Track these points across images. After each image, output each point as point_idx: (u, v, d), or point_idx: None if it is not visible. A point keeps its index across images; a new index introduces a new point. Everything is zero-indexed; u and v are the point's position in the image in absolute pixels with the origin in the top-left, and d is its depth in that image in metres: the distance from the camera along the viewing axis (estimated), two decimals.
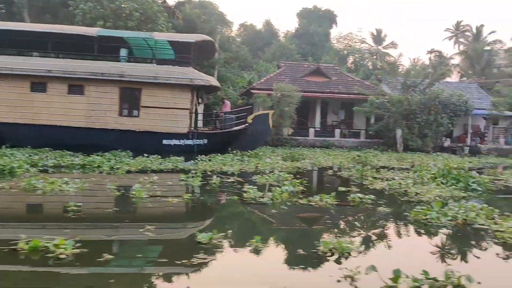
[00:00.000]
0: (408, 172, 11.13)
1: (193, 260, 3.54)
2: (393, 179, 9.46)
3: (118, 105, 16.81)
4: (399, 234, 5.25)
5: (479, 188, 8.62)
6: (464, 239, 4.91)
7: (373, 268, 3.02)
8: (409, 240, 4.93)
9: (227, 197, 7.39)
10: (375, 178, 9.96)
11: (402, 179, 9.34)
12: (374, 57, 60.71)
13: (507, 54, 46.42)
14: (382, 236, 4.95)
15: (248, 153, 15.52)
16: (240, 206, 6.74)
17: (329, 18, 51.79)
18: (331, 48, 47.17)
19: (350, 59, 47.43)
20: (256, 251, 3.98)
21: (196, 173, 9.52)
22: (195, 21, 26.00)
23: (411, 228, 5.35)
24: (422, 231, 5.17)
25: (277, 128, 24.73)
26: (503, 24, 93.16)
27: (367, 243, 4.47)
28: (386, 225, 5.65)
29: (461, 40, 62.29)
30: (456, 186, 8.75)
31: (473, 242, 4.78)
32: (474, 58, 46.15)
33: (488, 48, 46.93)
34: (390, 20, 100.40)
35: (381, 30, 61.60)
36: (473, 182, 8.90)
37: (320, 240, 4.15)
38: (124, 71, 16.71)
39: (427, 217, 5.34)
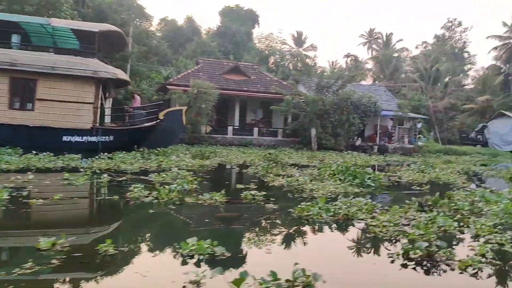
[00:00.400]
0: (312, 169, 11.28)
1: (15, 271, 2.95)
2: (293, 176, 9.46)
3: (8, 97, 15.04)
4: (274, 232, 5.07)
5: (373, 184, 8.92)
6: (337, 235, 4.86)
7: (219, 271, 2.71)
8: (284, 237, 4.76)
9: (107, 197, 6.74)
10: (278, 175, 9.90)
11: (301, 176, 9.38)
12: (295, 59, 62.71)
13: (412, 61, 50.45)
14: (257, 234, 4.73)
15: (156, 151, 14.78)
16: (115, 207, 6.16)
17: (251, 18, 52.20)
18: (253, 47, 47.55)
19: (272, 59, 48.21)
20: (104, 256, 3.49)
21: (86, 171, 8.69)
22: (106, 11, 24.40)
23: (291, 224, 5.22)
24: (301, 227, 5.07)
25: (194, 125, 24.16)
26: (409, 32, 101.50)
27: (237, 243, 4.19)
28: (266, 222, 5.47)
29: (374, 46, 66.68)
30: (352, 182, 8.97)
31: (345, 237, 4.75)
32: (384, 64, 49.51)
33: (396, 55, 50.56)
34: (311, 23, 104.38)
35: (302, 32, 63.83)
36: (368, 178, 9.20)
37: (188, 240, 3.77)
38: (16, 59, 14.98)
39: (310, 213, 5.23)
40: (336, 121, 26.58)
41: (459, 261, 3.51)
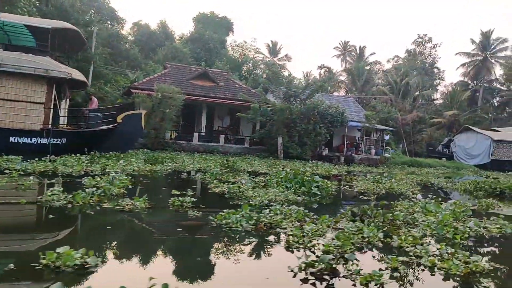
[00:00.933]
0: (265, 177, 10.93)
1: None
2: (239, 182, 9.08)
3: None
4: (169, 242, 4.64)
5: (319, 193, 8.64)
6: (243, 245, 4.46)
7: (59, 286, 2.27)
8: (176, 247, 4.35)
9: (13, 201, 6.14)
10: (225, 182, 9.50)
11: (246, 182, 9.01)
12: (268, 69, 62.88)
13: (383, 74, 51.30)
14: (156, 244, 4.30)
15: (108, 155, 14.14)
16: (14, 211, 5.60)
17: (225, 25, 52.06)
18: (226, 55, 47.31)
19: (245, 68, 48.08)
20: None
21: (11, 173, 8.05)
22: (69, 10, 23.61)
23: (200, 233, 4.81)
24: (210, 236, 4.66)
25: (158, 131, 23.54)
26: (382, 46, 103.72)
27: (116, 251, 3.76)
28: (173, 230, 5.05)
29: (348, 58, 67.68)
30: (298, 190, 8.67)
31: (249, 248, 4.36)
32: (355, 76, 50.17)
33: (367, 67, 51.33)
34: (286, 34, 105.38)
35: (277, 42, 64.25)
36: (315, 187, 8.91)
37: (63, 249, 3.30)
38: None
39: (229, 220, 4.85)
40: (302, 130, 26.48)
41: (361, 275, 3.19)
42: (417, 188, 11.96)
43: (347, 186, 11.35)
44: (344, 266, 3.36)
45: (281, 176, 9.52)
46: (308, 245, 4.09)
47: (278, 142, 25.91)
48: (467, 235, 5.21)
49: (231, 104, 28.06)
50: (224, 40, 51.29)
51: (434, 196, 8.73)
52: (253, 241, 4.50)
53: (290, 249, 4.08)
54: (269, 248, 4.31)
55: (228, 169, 13.97)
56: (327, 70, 66.10)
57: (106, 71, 27.94)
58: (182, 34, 50.62)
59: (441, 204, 7.16)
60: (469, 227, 5.56)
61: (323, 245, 4.02)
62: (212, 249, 4.27)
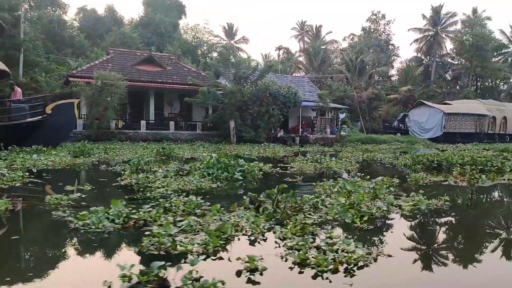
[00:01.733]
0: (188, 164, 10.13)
1: None
2: (154, 172, 8.28)
3: None
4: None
5: (241, 178, 7.98)
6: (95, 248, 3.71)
7: None
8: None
9: None
10: (144, 171, 8.66)
11: (163, 171, 8.23)
12: (225, 51, 61.56)
13: (340, 53, 51.22)
14: None
15: (28, 149, 12.93)
16: None
17: (177, 8, 50.21)
18: (180, 39, 45.68)
19: (199, 51, 46.64)
20: None
21: None
22: None
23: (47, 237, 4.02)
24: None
25: (100, 120, 22.22)
26: (340, 24, 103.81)
27: None
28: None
29: (306, 39, 67.27)
30: (220, 176, 7.98)
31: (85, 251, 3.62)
32: (312, 56, 49.81)
33: (323, 46, 51.05)
34: (244, 16, 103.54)
35: (233, 24, 62.83)
36: (239, 171, 8.25)
37: None
38: None
39: (87, 221, 4.06)
40: (255, 113, 25.83)
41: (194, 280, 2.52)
42: (355, 166, 11.56)
43: (283, 168, 10.77)
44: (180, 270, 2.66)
45: (204, 162, 8.79)
46: (169, 245, 3.38)
47: (230, 126, 25.16)
48: (371, 217, 4.67)
49: (181, 89, 26.96)
50: (176, 24, 49.52)
51: (362, 174, 8.27)
52: (94, 245, 3.73)
53: (145, 252, 3.35)
54: (112, 253, 3.57)
55: (164, 157, 13.12)
56: (285, 51, 65.54)
57: (40, 60, 26.02)
58: (131, 19, 48.44)
59: (364, 182, 6.67)
60: (378, 207, 5.04)
61: (182, 244, 3.33)
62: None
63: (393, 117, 44.98)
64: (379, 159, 15.31)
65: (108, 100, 21.76)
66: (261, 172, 9.22)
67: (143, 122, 24.74)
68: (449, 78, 56.91)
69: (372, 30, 55.04)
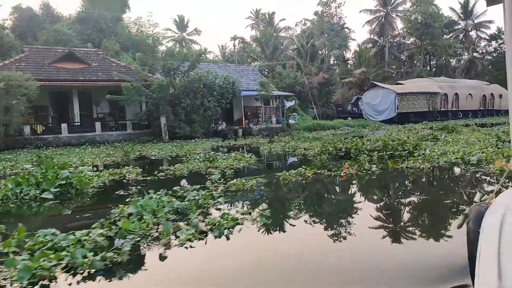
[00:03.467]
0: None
1: None
2: None
3: None
4: None
5: (51, 196, 6.01)
6: None
7: None
8: None
9: None
10: None
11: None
12: (178, 44, 58.88)
13: (291, 39, 49.49)
14: None
15: None
16: None
17: (119, 1, 47.08)
18: (123, 34, 42.75)
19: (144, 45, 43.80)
20: None
21: None
22: None
23: None
24: None
25: (8, 127, 19.69)
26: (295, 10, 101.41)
27: None
28: None
29: (261, 28, 65.17)
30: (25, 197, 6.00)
31: None
32: (263, 43, 47.86)
33: (275, 34, 49.18)
34: (197, 8, 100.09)
35: (184, 16, 60.19)
36: (59, 186, 6.27)
37: None
38: None
39: None
40: (189, 107, 23.76)
41: None
42: (252, 161, 9.78)
43: (160, 172, 8.85)
44: None
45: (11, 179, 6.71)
46: None
47: (161, 123, 23.05)
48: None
49: (109, 86, 24.50)
50: (120, 18, 46.45)
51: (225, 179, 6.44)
52: None
53: None
54: None
55: (40, 164, 10.98)
56: (241, 41, 63.35)
57: None
58: (69, 15, 45.06)
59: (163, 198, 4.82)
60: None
61: None
62: None
63: (346, 101, 43.76)
64: (299, 149, 13.60)
65: (13, 104, 19.21)
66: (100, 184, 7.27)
67: (64, 126, 22.25)
68: (404, 58, 56.19)
69: (324, 14, 53.49)
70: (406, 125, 30.57)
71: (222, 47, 66.83)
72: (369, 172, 7.38)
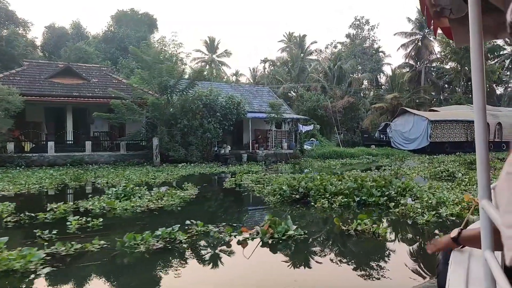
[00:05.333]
0: None
1: None
2: None
3: None
4: None
5: None
6: None
7: None
8: None
9: None
10: None
11: None
12: (208, 65, 57.71)
13: (319, 61, 46.70)
14: None
15: None
16: None
17: (147, 22, 46.65)
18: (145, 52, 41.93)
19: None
20: None
21: None
22: None
23: None
24: None
25: None
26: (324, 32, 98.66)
27: None
28: None
29: (293, 51, 62.95)
30: None
31: None
32: (290, 66, 45.41)
33: (302, 55, 46.63)
34: (228, 30, 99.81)
35: (214, 38, 59.16)
36: None
37: None
38: None
39: None
40: (186, 128, 21.41)
41: None
42: (174, 203, 6.95)
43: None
44: None
45: None
46: None
47: (153, 144, 20.79)
48: None
49: (106, 103, 22.75)
50: (146, 38, 45.87)
51: None
52: None
53: None
54: None
55: None
56: (271, 63, 61.34)
57: None
58: (96, 34, 45.06)
59: None
60: None
61: None
62: None
63: (375, 128, 39.87)
64: (272, 184, 10.57)
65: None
66: None
67: (50, 144, 20.46)
68: (442, 84, 51.49)
69: (356, 36, 50.35)
70: (437, 156, 26.52)
71: (253, 70, 65.23)
72: (289, 237, 4.32)
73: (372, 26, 48.74)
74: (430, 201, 6.08)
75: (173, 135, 21.28)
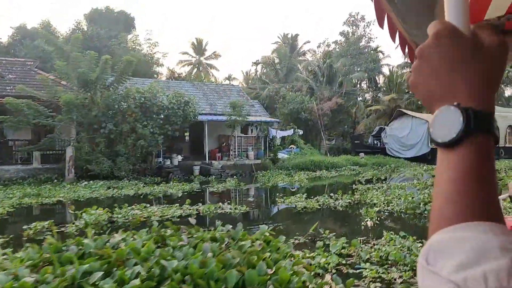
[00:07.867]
0: None
1: None
2: None
3: None
4: None
5: None
6: None
7: None
8: None
9: None
10: None
11: None
12: (196, 68, 52.63)
13: (306, 62, 41.20)
14: None
15: None
16: None
17: (123, 21, 41.76)
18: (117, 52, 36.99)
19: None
20: None
21: None
22: None
23: None
24: None
25: None
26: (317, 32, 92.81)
27: None
28: None
29: (283, 50, 57.52)
30: None
31: None
32: (277, 66, 40.02)
33: (289, 54, 41.15)
34: (222, 33, 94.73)
35: (202, 40, 54.11)
36: None
37: None
38: None
39: None
40: (112, 134, 16.07)
41: None
42: None
43: None
44: None
45: None
46: None
47: (66, 155, 15.45)
48: None
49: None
50: (123, 36, 40.95)
51: None
52: None
53: None
54: None
55: None
56: (263, 65, 55.95)
57: None
58: (65, 33, 40.28)
59: None
60: None
61: None
62: None
63: (369, 133, 34.06)
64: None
65: None
66: None
67: None
68: None
69: (351, 34, 44.67)
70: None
71: (247, 73, 60.05)
72: None
73: (368, 22, 43.02)
74: None
75: (97, 144, 15.93)
